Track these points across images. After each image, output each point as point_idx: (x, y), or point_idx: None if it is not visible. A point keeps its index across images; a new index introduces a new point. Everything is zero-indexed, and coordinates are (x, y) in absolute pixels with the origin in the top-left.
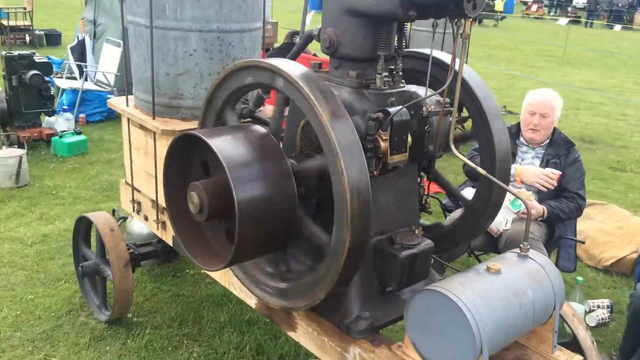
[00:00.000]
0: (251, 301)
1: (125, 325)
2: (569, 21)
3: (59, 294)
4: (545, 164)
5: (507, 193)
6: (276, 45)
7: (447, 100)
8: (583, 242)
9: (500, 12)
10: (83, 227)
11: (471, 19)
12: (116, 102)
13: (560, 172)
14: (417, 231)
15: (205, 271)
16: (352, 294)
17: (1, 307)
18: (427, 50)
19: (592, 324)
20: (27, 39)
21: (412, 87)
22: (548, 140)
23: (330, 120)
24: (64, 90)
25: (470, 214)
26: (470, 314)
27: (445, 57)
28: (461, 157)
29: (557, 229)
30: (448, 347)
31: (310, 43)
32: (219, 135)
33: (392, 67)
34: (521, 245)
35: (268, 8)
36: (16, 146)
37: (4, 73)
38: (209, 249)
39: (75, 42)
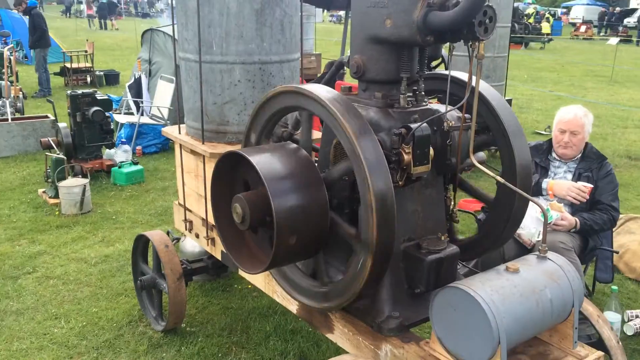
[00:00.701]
0: (292, 307)
1: (180, 334)
2: (619, 40)
3: (120, 307)
4: (577, 177)
5: (544, 205)
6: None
7: (468, 115)
8: (617, 252)
9: (548, 34)
10: (141, 244)
11: (484, 41)
12: (170, 131)
13: (591, 185)
14: (443, 237)
15: (249, 279)
16: (384, 296)
17: (69, 319)
18: (453, 72)
19: (630, 332)
20: (88, 79)
21: (435, 105)
22: (580, 155)
23: (357, 138)
24: (122, 124)
25: (493, 224)
26: (488, 307)
27: (466, 77)
28: (480, 166)
29: (591, 240)
30: (470, 340)
31: (342, 70)
32: (258, 152)
33: (415, 87)
34: (540, 247)
35: (311, 41)
36: (80, 176)
37: (69, 110)
38: (251, 255)
39: (132, 80)
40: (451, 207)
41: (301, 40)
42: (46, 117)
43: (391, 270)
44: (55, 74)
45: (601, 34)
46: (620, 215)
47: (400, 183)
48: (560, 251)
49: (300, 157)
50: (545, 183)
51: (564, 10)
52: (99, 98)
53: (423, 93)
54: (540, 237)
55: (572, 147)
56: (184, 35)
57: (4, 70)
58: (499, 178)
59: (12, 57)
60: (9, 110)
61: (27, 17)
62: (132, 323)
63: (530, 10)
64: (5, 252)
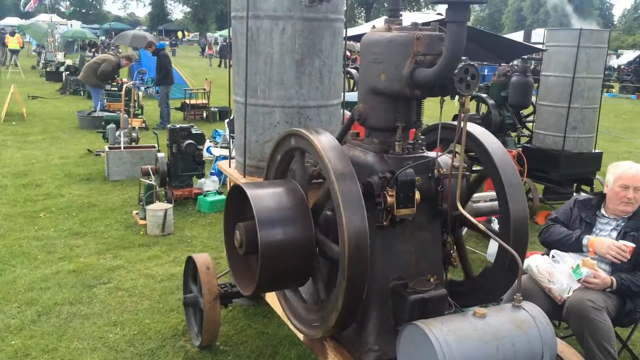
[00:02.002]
0: (300, 335)
1: (213, 351)
2: None
3: (169, 321)
4: (622, 236)
5: (573, 261)
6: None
7: (465, 165)
8: None
9: None
10: (191, 266)
11: (468, 97)
12: (223, 164)
13: (634, 245)
14: (432, 279)
15: (271, 305)
16: (369, 329)
17: (124, 326)
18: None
19: None
20: (204, 114)
21: (432, 154)
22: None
23: (337, 179)
24: (217, 156)
25: (491, 273)
26: (440, 346)
27: (472, 128)
28: (466, 214)
29: (629, 302)
30: None
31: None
32: (257, 187)
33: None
34: (514, 296)
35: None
36: (166, 201)
37: (167, 142)
38: (252, 277)
39: (232, 116)
40: (451, 251)
41: (344, 87)
42: (154, 147)
43: (379, 306)
44: (176, 108)
45: None
46: None
47: (385, 223)
48: (588, 310)
49: (294, 193)
50: (587, 239)
51: None
52: (193, 132)
53: (420, 141)
54: (571, 294)
55: (634, 204)
56: (236, 80)
57: (131, 104)
58: (481, 226)
59: (139, 92)
60: (122, 139)
61: (156, 57)
62: (176, 337)
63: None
64: (90, 264)
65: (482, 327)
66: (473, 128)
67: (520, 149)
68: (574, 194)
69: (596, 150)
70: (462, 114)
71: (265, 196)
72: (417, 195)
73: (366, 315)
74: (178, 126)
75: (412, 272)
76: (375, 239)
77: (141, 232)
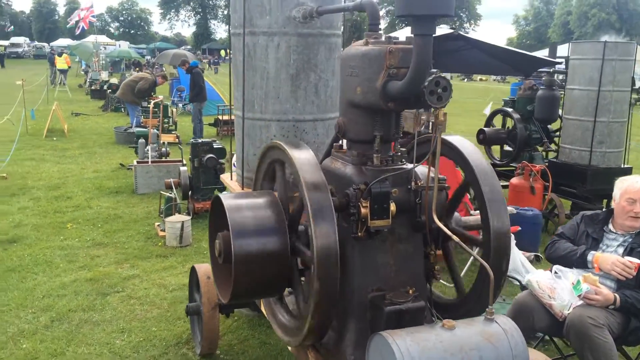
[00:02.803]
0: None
1: None
2: None
3: (175, 330)
4: (628, 252)
5: (574, 277)
6: None
7: (444, 177)
8: None
9: None
10: (194, 275)
11: (441, 108)
12: (226, 177)
13: (639, 262)
14: (410, 291)
15: (264, 312)
16: (347, 340)
17: (131, 333)
18: (446, 137)
19: None
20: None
21: (410, 166)
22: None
23: (308, 190)
24: None
25: (475, 287)
26: (401, 355)
27: (454, 140)
28: (441, 226)
29: (634, 320)
30: None
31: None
32: (236, 198)
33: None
34: (487, 309)
35: None
36: (185, 213)
37: (190, 156)
38: (229, 285)
39: None
40: (434, 264)
41: None
42: (181, 161)
43: (357, 317)
44: (209, 124)
45: None
46: None
47: (360, 234)
48: (587, 327)
49: (271, 204)
50: (592, 255)
51: None
52: (215, 147)
53: (399, 153)
54: (571, 310)
55: None
56: (235, 94)
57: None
58: (455, 237)
59: (174, 109)
60: (150, 154)
61: (190, 74)
62: (179, 345)
63: None
64: (108, 273)
65: (448, 338)
66: (456, 140)
67: (547, 164)
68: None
69: (626, 166)
70: (437, 126)
71: (241, 207)
72: (393, 207)
73: (345, 326)
74: (200, 141)
75: (391, 283)
76: (353, 251)
77: (159, 244)
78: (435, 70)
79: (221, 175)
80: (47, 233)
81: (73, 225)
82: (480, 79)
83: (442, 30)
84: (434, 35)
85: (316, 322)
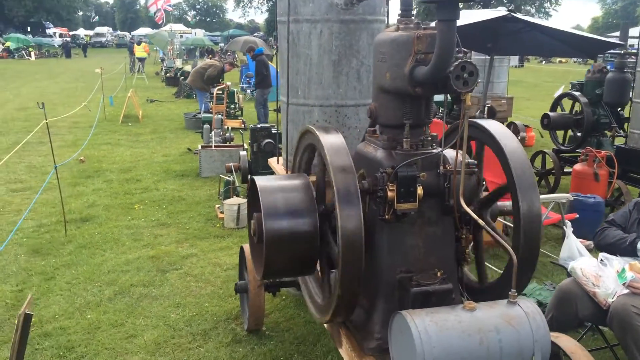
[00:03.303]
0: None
1: (259, 335)
2: None
3: (226, 306)
4: None
5: (619, 265)
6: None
7: (473, 161)
8: None
9: None
10: (243, 255)
11: (468, 94)
12: (272, 161)
13: None
14: (439, 274)
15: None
16: (375, 319)
17: (185, 308)
18: (479, 120)
19: None
20: None
21: (442, 151)
22: None
23: (335, 174)
24: None
25: (505, 272)
26: (418, 334)
27: (486, 123)
28: (468, 210)
29: None
30: None
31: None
32: (270, 181)
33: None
34: (510, 292)
35: (503, 84)
36: (244, 196)
37: (250, 141)
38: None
39: None
40: (466, 248)
41: (486, 83)
42: (242, 146)
43: (385, 297)
44: (274, 110)
45: None
46: None
47: (387, 217)
48: (631, 316)
49: (303, 187)
50: None
51: None
52: (273, 132)
53: (429, 138)
54: (615, 298)
55: None
56: (281, 81)
57: (227, 105)
58: (480, 220)
59: (240, 95)
60: (214, 139)
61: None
62: (229, 320)
63: None
64: (169, 251)
65: (467, 319)
66: (490, 125)
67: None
68: None
69: None
70: (464, 111)
71: (274, 190)
72: (420, 191)
73: (374, 306)
74: (259, 126)
75: (420, 265)
76: (382, 232)
77: (218, 225)
78: (461, 55)
79: (269, 160)
80: (117, 213)
81: (140, 206)
82: (560, 61)
83: (498, 12)
84: (482, 19)
85: (341, 301)
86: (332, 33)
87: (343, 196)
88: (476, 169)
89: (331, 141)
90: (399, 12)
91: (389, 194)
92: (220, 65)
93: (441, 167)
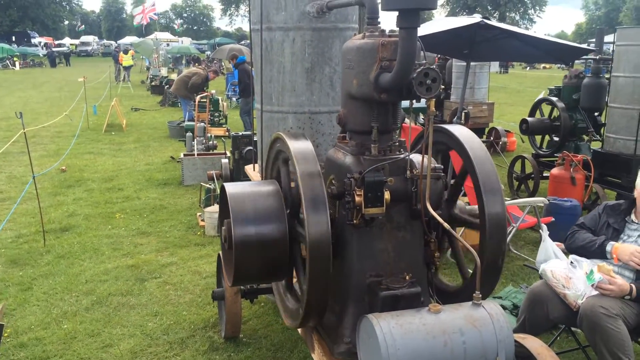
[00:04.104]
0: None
1: (236, 343)
2: None
3: (204, 314)
4: None
5: (587, 266)
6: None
7: (440, 166)
8: None
9: None
10: (220, 262)
11: (432, 99)
12: (249, 168)
13: None
14: (407, 277)
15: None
16: (346, 323)
17: (163, 317)
18: (446, 126)
19: None
20: None
21: (410, 156)
22: None
23: (303, 180)
24: None
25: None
26: (383, 337)
27: (452, 128)
28: (436, 215)
29: None
30: None
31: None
32: (240, 187)
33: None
34: (474, 294)
35: (484, 90)
36: None
37: (231, 149)
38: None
39: None
40: (435, 252)
41: (463, 88)
42: (225, 154)
43: (356, 302)
44: None
45: None
46: None
47: (355, 222)
48: (599, 317)
49: (273, 193)
50: (610, 246)
51: None
52: (255, 139)
53: (397, 143)
54: (584, 300)
55: None
56: (256, 88)
57: (216, 114)
58: (445, 224)
59: (224, 103)
60: (197, 147)
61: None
62: (206, 328)
63: None
64: (148, 260)
65: (432, 322)
66: (457, 130)
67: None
68: None
69: None
70: (429, 117)
71: (244, 196)
72: (387, 196)
73: (345, 310)
74: (240, 133)
75: (390, 269)
76: (352, 237)
77: (199, 233)
78: (424, 62)
79: (245, 167)
80: (97, 222)
81: (121, 215)
82: (544, 67)
83: (473, 19)
84: (462, 25)
85: (310, 306)
86: (305, 41)
87: (310, 202)
88: (442, 174)
89: (300, 148)
90: (366, 19)
91: (357, 199)
92: (204, 73)
93: (408, 172)
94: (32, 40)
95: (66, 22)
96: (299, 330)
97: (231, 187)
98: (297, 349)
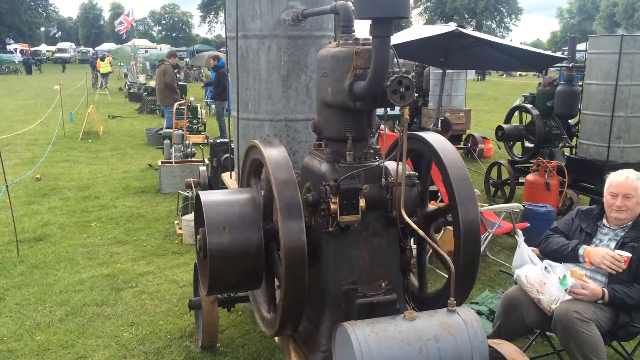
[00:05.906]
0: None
1: (214, 352)
2: None
3: (180, 323)
4: (619, 246)
5: (560, 271)
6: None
7: (415, 173)
8: None
9: None
10: (196, 271)
11: (405, 107)
12: (225, 176)
13: (629, 255)
14: (383, 284)
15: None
16: (322, 331)
17: (139, 327)
18: (422, 134)
19: None
20: None
21: (385, 163)
22: (631, 223)
23: (278, 188)
24: None
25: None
26: (358, 344)
27: (425, 135)
28: (411, 222)
29: (622, 315)
30: None
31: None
32: (215, 195)
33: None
34: (448, 301)
35: (461, 97)
36: None
37: (209, 156)
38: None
39: None
40: (411, 258)
41: (439, 96)
42: (203, 161)
43: (332, 309)
44: None
45: None
46: None
47: (330, 229)
48: (573, 321)
49: (249, 201)
50: (583, 250)
51: None
52: (232, 147)
53: (372, 151)
54: (558, 305)
55: (627, 212)
56: (232, 96)
57: (195, 121)
58: (420, 231)
59: (203, 110)
60: (174, 154)
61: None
62: (183, 337)
63: None
64: (124, 269)
65: (407, 329)
66: (431, 137)
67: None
68: None
69: None
70: (403, 124)
71: (219, 204)
72: (362, 203)
73: (321, 318)
74: (218, 141)
75: (366, 277)
76: (327, 245)
77: (176, 241)
78: (397, 70)
79: (222, 174)
80: (72, 231)
81: (97, 224)
82: (520, 75)
83: (448, 27)
84: (436, 34)
85: (286, 314)
86: (281, 49)
87: (285, 210)
88: (417, 181)
89: (274, 155)
90: (341, 28)
91: (332, 206)
92: (167, 64)
93: (383, 180)
94: (8, 47)
95: (42, 29)
96: (276, 338)
97: (206, 195)
98: (275, 357)
